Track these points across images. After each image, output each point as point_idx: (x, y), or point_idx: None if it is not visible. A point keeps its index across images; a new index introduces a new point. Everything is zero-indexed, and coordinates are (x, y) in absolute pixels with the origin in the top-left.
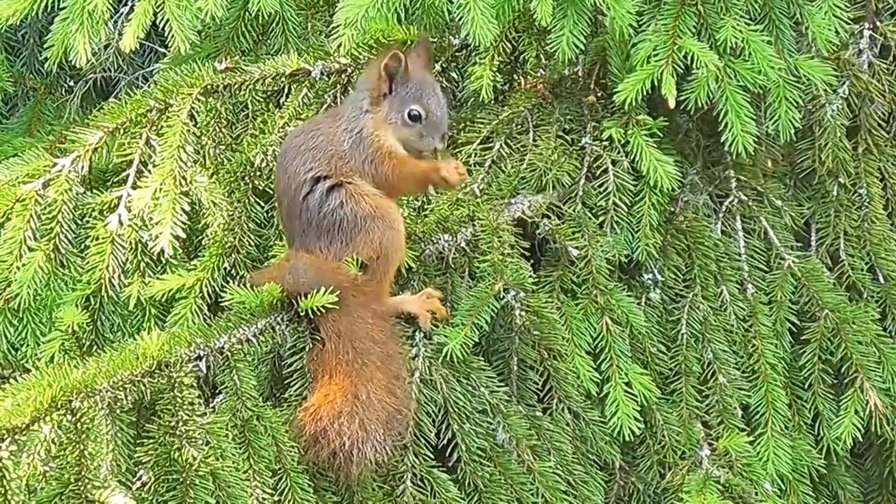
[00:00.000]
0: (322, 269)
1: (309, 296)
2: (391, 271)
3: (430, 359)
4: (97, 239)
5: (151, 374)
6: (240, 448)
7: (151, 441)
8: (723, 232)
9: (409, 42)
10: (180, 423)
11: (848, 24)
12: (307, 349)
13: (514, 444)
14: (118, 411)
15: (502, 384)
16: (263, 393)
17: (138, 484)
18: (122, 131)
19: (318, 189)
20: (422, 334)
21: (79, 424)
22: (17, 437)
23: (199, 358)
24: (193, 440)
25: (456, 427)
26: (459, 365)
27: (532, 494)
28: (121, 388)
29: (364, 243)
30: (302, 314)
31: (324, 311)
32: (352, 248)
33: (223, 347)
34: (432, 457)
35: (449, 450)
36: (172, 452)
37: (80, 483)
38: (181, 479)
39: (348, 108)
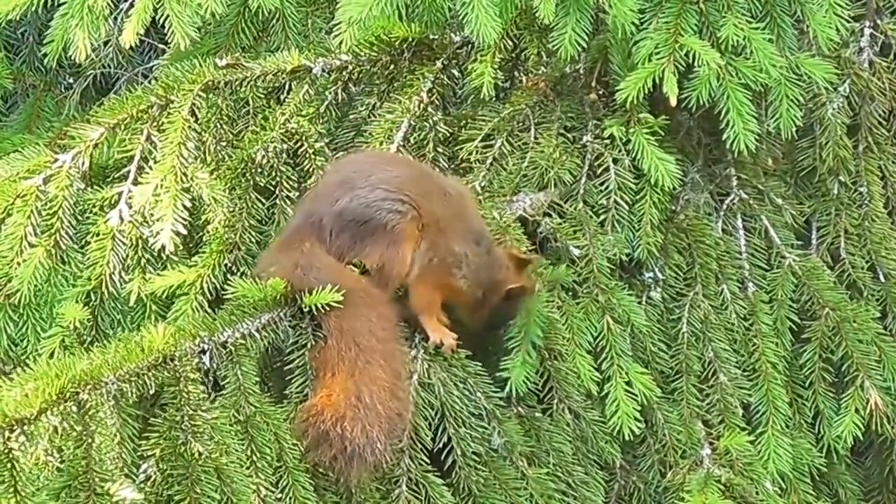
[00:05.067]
0: (332, 267)
1: (314, 292)
2: (391, 286)
3: (429, 361)
4: (98, 235)
5: (156, 367)
6: (242, 444)
7: (157, 435)
8: (723, 230)
9: (410, 39)
10: (186, 418)
11: (849, 22)
12: (309, 346)
13: (509, 450)
14: (123, 404)
15: (500, 387)
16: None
17: (142, 477)
18: (122, 127)
19: (392, 196)
20: (420, 336)
21: (86, 416)
22: (25, 427)
23: (203, 352)
24: (199, 435)
25: (452, 431)
26: (457, 369)
27: (526, 500)
28: (126, 381)
29: (368, 252)
30: (306, 310)
31: (328, 308)
32: (356, 251)
33: (226, 342)
34: (427, 461)
35: (444, 454)
36: (178, 447)
37: (87, 475)
38: (187, 474)
39: (488, 251)
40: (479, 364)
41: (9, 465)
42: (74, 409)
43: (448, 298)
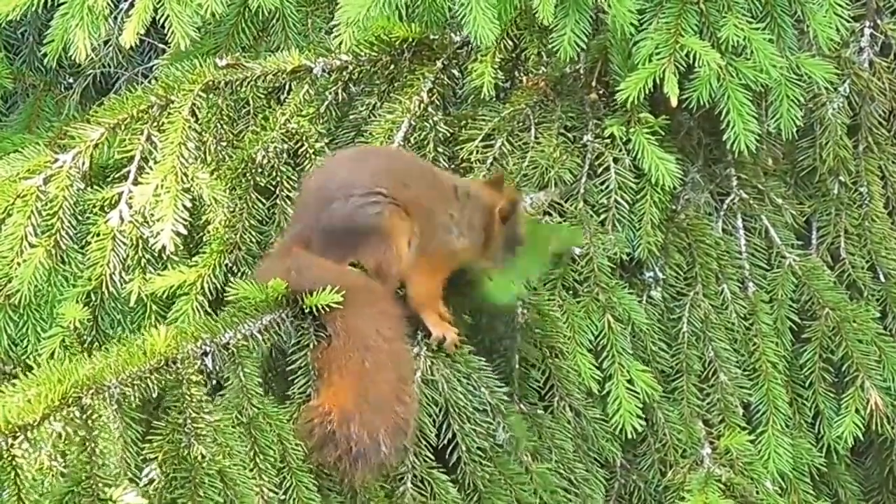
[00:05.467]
0: (327, 267)
1: (314, 293)
2: (391, 284)
3: (432, 358)
4: (98, 235)
5: (159, 370)
6: (245, 446)
7: (159, 438)
8: (724, 230)
9: (410, 39)
10: (188, 421)
11: (849, 22)
12: (311, 346)
13: (514, 445)
14: (126, 408)
15: (503, 384)
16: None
17: (145, 481)
18: (123, 127)
19: (368, 199)
20: (422, 333)
21: (89, 421)
22: (28, 433)
23: (206, 354)
24: (202, 438)
25: (456, 427)
26: (461, 365)
27: (531, 495)
28: (129, 385)
29: (363, 258)
30: (307, 311)
31: (331, 308)
32: (352, 256)
33: (228, 343)
34: (432, 457)
35: (449, 450)
36: (181, 450)
37: (91, 480)
38: (190, 478)
39: (466, 196)
40: (483, 359)
41: (12, 473)
42: (77, 413)
43: (462, 263)
